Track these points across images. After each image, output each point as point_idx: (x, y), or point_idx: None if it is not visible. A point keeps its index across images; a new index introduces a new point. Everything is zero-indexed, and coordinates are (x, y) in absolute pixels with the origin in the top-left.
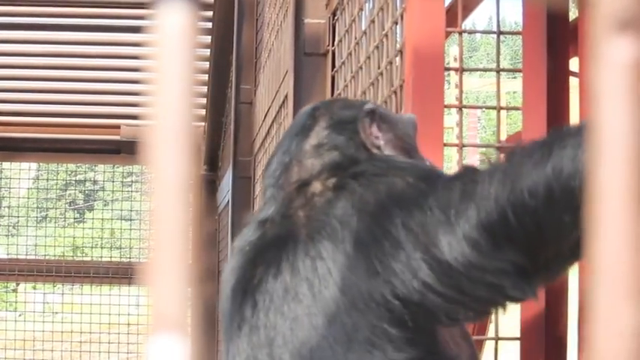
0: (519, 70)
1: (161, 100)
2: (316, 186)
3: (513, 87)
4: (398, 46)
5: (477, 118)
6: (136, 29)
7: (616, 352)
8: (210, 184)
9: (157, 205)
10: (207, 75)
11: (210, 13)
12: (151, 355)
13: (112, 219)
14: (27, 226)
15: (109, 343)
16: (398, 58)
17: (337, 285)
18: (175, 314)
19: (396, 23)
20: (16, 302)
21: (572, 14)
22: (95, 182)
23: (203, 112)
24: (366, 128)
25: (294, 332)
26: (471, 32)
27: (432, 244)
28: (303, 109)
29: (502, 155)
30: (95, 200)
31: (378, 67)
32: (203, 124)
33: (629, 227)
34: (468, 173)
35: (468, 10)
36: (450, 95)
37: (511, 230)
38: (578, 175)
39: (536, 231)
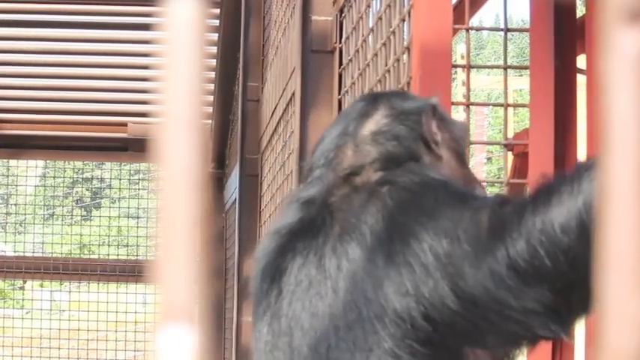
0: (526, 68)
1: (170, 97)
2: (364, 177)
3: (520, 85)
4: (405, 43)
5: (485, 116)
6: (143, 26)
7: (626, 346)
8: (217, 182)
9: (167, 202)
10: (214, 72)
11: (217, 11)
12: (159, 346)
13: (119, 216)
14: (34, 223)
15: (116, 340)
16: (405, 55)
17: (362, 293)
18: (184, 305)
19: (404, 20)
20: (23, 300)
21: (579, 11)
22: (102, 180)
23: (210, 109)
24: (429, 122)
25: (313, 327)
26: (478, 29)
27: (459, 276)
28: (361, 96)
29: (529, 190)
30: (102, 198)
31: (386, 65)
32: (210, 121)
33: (636, 219)
34: (498, 205)
35: (475, 7)
36: (458, 94)
37: (542, 269)
38: None
39: (569, 269)
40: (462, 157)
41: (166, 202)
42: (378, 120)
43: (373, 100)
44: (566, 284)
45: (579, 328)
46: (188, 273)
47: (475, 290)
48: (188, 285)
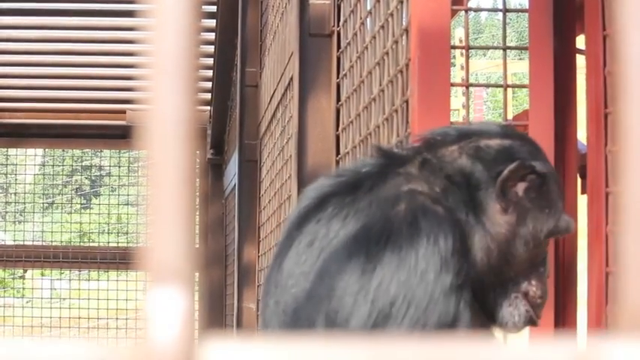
0: (525, 49)
1: (161, 83)
2: (426, 177)
3: (520, 68)
4: (403, 25)
5: (483, 100)
6: (142, 13)
7: None
8: (216, 168)
9: (159, 189)
10: (212, 58)
11: None
12: (149, 307)
13: (118, 204)
14: (33, 212)
15: (117, 328)
16: (404, 38)
17: (326, 275)
18: (175, 265)
19: (402, 2)
20: (23, 289)
21: None
22: (101, 168)
23: (208, 95)
24: (512, 177)
25: (296, 285)
26: (476, 10)
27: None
28: (512, 130)
29: None
30: (102, 186)
31: (384, 47)
32: (209, 108)
33: None
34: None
35: None
36: (456, 77)
37: None
38: None
39: None
40: (517, 248)
41: (160, 190)
42: (489, 144)
43: (513, 133)
44: None
45: (581, 295)
46: (180, 232)
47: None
48: (179, 244)
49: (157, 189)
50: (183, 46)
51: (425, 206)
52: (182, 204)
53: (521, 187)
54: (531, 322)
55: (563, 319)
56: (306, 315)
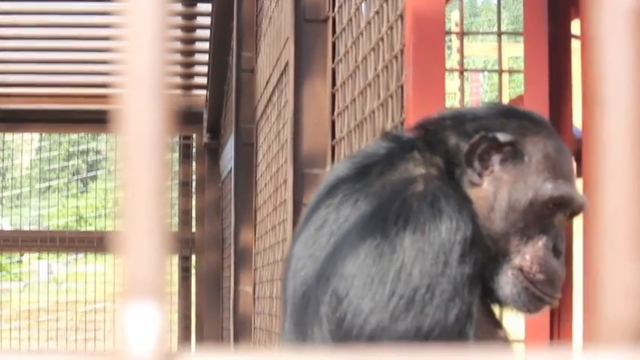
0: (520, 34)
1: (132, 66)
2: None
3: (516, 52)
4: (398, 10)
5: (480, 83)
6: None
7: (622, 313)
8: (212, 152)
9: (131, 171)
10: (208, 43)
11: None
12: (125, 322)
13: (115, 188)
14: (31, 197)
15: (114, 312)
16: (398, 23)
17: (329, 260)
18: (151, 279)
19: None
20: (20, 273)
21: None
22: (98, 152)
23: (205, 80)
24: (481, 147)
25: (304, 268)
26: None
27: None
28: (510, 106)
29: None
30: (98, 170)
31: (379, 33)
32: (205, 92)
33: (632, 182)
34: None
35: None
36: (452, 61)
37: None
38: None
39: None
40: (496, 221)
41: (132, 171)
42: (477, 114)
43: (510, 111)
44: None
45: (577, 295)
46: (154, 244)
47: None
48: (155, 257)
49: (131, 204)
50: (154, 23)
51: (444, 189)
52: (156, 216)
53: (496, 160)
54: (539, 299)
55: (558, 326)
56: (314, 297)
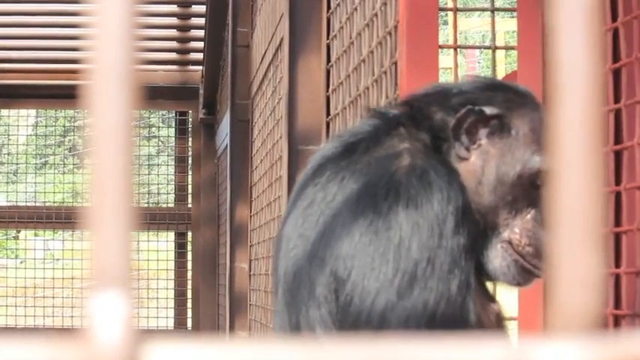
0: (514, 10)
1: (100, 40)
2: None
3: (513, 26)
4: None
5: (476, 57)
6: None
7: (576, 305)
8: (208, 128)
9: (98, 149)
10: (204, 18)
11: None
12: (91, 311)
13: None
14: (27, 172)
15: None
16: None
17: (321, 239)
18: (118, 267)
19: None
20: (16, 249)
21: None
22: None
23: (200, 55)
24: (468, 120)
25: (295, 247)
26: None
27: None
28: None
29: None
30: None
31: (373, 9)
32: (201, 67)
33: (589, 172)
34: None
35: None
36: (449, 36)
37: None
38: None
39: None
40: (485, 195)
41: (98, 150)
42: (463, 88)
43: (497, 84)
44: None
45: None
46: (122, 228)
47: None
48: (123, 243)
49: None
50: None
51: (431, 162)
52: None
53: (483, 133)
54: (529, 272)
55: None
56: (307, 277)
